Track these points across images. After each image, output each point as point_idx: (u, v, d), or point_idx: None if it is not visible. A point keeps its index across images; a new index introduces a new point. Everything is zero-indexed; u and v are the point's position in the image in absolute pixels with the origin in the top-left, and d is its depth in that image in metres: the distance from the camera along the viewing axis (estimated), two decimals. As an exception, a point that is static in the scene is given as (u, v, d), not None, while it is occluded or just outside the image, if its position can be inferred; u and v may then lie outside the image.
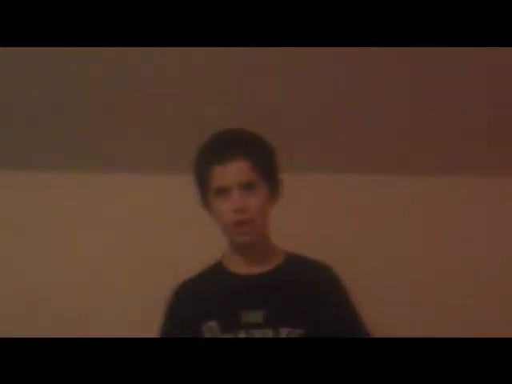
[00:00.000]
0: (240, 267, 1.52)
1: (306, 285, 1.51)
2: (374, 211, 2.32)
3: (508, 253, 2.48)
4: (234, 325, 1.45)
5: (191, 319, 1.49)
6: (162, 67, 1.96)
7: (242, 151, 1.45)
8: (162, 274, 1.75)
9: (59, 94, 2.02)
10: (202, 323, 1.48)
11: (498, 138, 2.34)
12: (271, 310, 1.46)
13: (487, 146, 2.36)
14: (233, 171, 1.44)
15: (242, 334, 1.44)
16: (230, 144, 1.47)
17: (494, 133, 2.35)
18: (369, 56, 2.08)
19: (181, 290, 1.55)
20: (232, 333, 1.44)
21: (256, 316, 1.46)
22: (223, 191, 1.46)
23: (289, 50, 1.87)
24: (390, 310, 2.27)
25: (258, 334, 1.43)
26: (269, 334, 1.43)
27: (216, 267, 1.57)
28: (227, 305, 1.48)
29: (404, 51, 2.02)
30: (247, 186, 1.45)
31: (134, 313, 1.96)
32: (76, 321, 2.05)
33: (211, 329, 1.47)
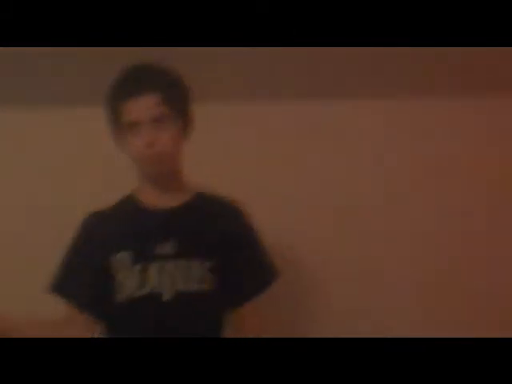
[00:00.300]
0: (151, 200, 1.52)
1: (216, 220, 1.53)
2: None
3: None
4: (145, 256, 1.45)
5: (99, 250, 1.48)
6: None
7: (152, 85, 1.45)
8: (75, 209, 1.64)
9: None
10: (111, 254, 1.47)
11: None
12: (182, 242, 1.46)
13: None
14: (143, 105, 1.43)
15: (153, 266, 1.44)
16: (140, 79, 1.47)
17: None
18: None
19: (90, 219, 1.53)
20: (144, 264, 1.44)
21: (168, 247, 1.46)
22: (134, 125, 1.45)
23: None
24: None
25: (169, 265, 1.43)
26: (180, 263, 1.43)
27: (128, 200, 1.56)
28: (138, 237, 1.48)
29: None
30: (158, 120, 1.45)
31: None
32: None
33: (121, 260, 1.46)
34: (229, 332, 1.57)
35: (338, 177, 2.30)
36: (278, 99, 2.14)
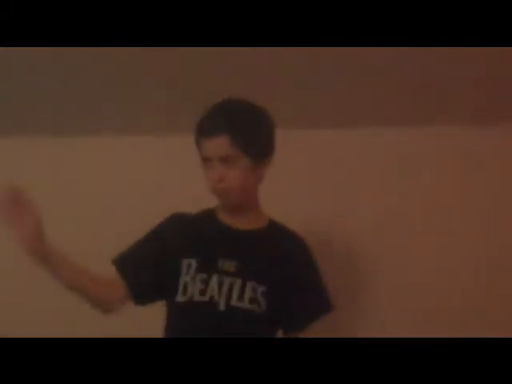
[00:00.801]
0: (226, 220, 1.68)
1: (280, 250, 1.67)
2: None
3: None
4: (209, 268, 1.60)
5: (169, 249, 1.65)
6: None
7: (224, 127, 1.58)
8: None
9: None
10: (181, 258, 1.63)
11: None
12: (244, 263, 1.61)
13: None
14: (214, 145, 1.59)
15: (214, 278, 1.59)
16: (215, 119, 1.61)
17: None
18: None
19: (172, 218, 1.70)
20: (206, 274, 1.60)
21: (230, 265, 1.61)
22: (207, 161, 1.62)
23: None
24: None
25: (227, 280, 1.59)
26: (237, 282, 1.58)
27: (208, 213, 1.72)
28: (208, 249, 1.64)
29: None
30: (225, 160, 1.59)
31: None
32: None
33: (189, 265, 1.62)
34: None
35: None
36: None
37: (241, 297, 1.59)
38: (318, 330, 2.06)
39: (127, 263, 1.68)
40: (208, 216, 1.72)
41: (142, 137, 2.33)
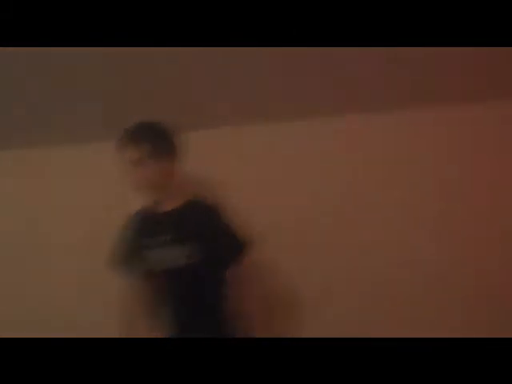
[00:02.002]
0: (159, 206, 2.25)
1: (200, 217, 2.20)
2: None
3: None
4: (157, 244, 2.18)
5: (134, 239, 2.26)
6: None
7: (129, 140, 2.16)
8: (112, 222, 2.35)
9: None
10: (140, 241, 2.22)
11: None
12: (177, 234, 2.17)
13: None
14: (126, 154, 2.16)
15: (157, 250, 2.17)
16: (123, 137, 2.17)
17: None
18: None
19: (129, 219, 2.32)
20: (158, 249, 2.17)
21: (166, 239, 2.17)
22: (130, 164, 2.16)
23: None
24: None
25: (167, 250, 2.15)
26: (176, 249, 2.14)
27: (151, 204, 2.29)
28: (153, 231, 2.21)
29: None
30: (137, 163, 2.14)
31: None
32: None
33: (146, 245, 2.20)
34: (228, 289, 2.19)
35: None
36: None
37: (180, 257, 2.14)
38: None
39: (118, 259, 2.29)
40: (149, 206, 2.29)
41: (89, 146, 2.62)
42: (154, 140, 2.18)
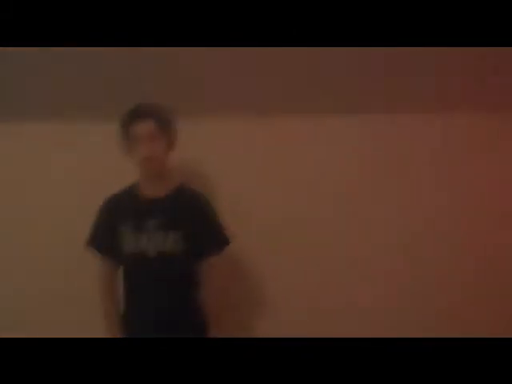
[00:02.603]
0: (145, 191, 2.29)
1: (186, 206, 2.27)
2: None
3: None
4: (139, 229, 2.22)
5: (112, 222, 2.28)
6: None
7: (150, 114, 2.23)
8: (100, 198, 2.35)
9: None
10: (119, 225, 2.25)
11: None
12: (164, 220, 2.21)
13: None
14: (143, 126, 2.21)
15: (144, 235, 2.21)
16: (143, 109, 2.24)
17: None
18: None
19: (107, 202, 2.33)
20: (138, 234, 2.21)
21: (153, 224, 2.21)
22: (136, 140, 2.22)
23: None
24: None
25: (154, 235, 2.19)
26: (160, 234, 2.19)
27: (132, 189, 2.32)
28: (136, 216, 2.24)
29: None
30: (151, 137, 2.21)
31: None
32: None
33: (125, 230, 2.23)
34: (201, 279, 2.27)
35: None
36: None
37: (164, 244, 2.19)
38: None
39: (95, 241, 2.32)
40: (132, 190, 2.31)
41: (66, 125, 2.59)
42: (160, 117, 2.23)
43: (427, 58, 2.42)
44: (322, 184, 2.56)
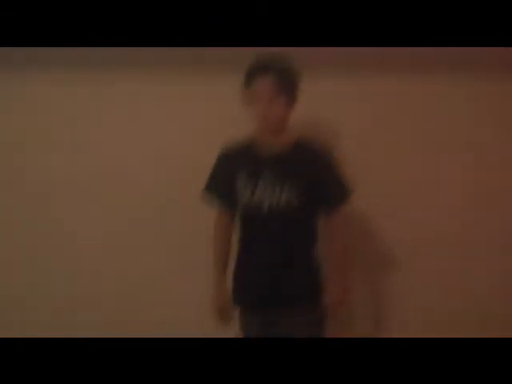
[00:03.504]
0: (264, 143, 2.21)
1: (305, 160, 2.18)
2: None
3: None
4: (255, 180, 2.17)
5: (230, 170, 2.23)
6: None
7: (272, 70, 2.12)
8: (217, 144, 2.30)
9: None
10: (236, 174, 2.21)
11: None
12: (279, 174, 2.15)
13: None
14: (264, 82, 2.12)
15: (259, 187, 2.15)
16: (265, 64, 2.14)
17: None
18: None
19: (224, 151, 2.29)
20: (253, 185, 2.17)
21: (270, 176, 2.15)
22: (257, 95, 2.14)
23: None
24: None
25: (270, 187, 2.14)
26: (276, 188, 2.14)
27: (250, 142, 2.26)
28: (253, 166, 2.19)
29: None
30: (271, 95, 2.11)
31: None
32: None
33: (241, 178, 2.19)
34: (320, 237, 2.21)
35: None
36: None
37: (279, 197, 2.13)
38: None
39: (212, 188, 2.28)
40: (251, 142, 2.25)
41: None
42: (282, 73, 2.13)
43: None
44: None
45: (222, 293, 2.18)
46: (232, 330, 2.17)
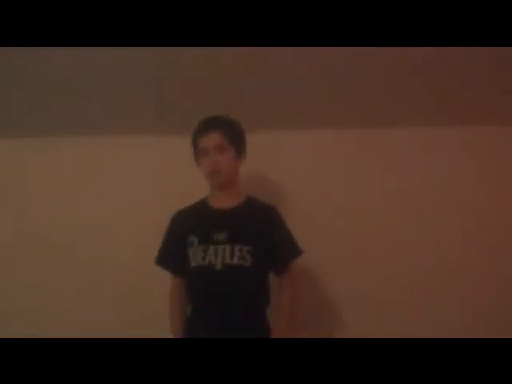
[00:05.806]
0: (215, 202, 2.28)
1: (256, 218, 2.24)
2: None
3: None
4: (207, 241, 2.20)
5: (181, 234, 2.26)
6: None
7: (217, 126, 2.23)
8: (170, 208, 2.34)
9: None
10: (187, 237, 2.23)
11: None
12: (232, 233, 2.19)
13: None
14: (210, 138, 2.21)
15: (211, 248, 2.17)
16: (210, 122, 2.25)
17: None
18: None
19: (176, 215, 2.33)
20: (205, 245, 2.18)
21: (221, 236, 2.18)
22: (204, 152, 2.23)
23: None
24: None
25: (220, 247, 2.17)
26: (227, 247, 2.16)
27: (202, 202, 2.32)
28: (204, 227, 2.23)
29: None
30: (219, 148, 2.21)
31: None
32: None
33: (192, 241, 2.21)
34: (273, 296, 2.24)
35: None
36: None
37: (231, 257, 2.15)
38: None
39: (164, 259, 2.31)
40: (201, 204, 2.31)
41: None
42: (227, 129, 2.21)
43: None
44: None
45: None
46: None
